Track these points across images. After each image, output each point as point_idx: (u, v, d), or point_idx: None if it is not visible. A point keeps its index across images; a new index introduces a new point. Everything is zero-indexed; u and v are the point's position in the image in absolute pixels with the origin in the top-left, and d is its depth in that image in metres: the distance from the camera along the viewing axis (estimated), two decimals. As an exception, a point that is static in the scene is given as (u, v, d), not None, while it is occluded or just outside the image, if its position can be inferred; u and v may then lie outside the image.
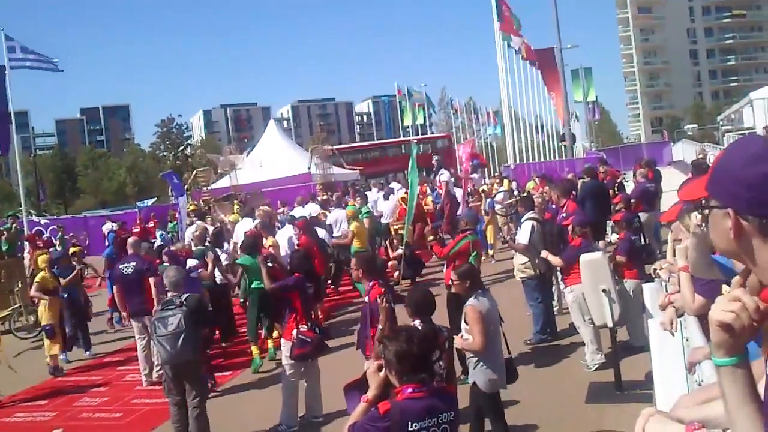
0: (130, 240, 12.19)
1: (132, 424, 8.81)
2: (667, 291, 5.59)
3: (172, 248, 13.07)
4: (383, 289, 6.70)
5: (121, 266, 11.00)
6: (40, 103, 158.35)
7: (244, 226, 15.30)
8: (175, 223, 21.51)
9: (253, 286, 10.77)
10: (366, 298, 6.86)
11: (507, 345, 6.64)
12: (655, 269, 6.51)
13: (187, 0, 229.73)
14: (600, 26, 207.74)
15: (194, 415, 7.27)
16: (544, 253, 9.39)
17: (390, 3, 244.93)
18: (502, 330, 6.48)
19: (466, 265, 6.87)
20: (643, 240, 11.20)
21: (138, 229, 25.62)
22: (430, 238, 10.87)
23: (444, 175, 20.97)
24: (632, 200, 12.61)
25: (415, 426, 3.67)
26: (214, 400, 7.55)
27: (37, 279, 11.91)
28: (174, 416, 7.41)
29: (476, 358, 6.11)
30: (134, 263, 10.70)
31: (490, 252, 17.21)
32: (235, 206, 21.29)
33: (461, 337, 6.06)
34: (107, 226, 26.05)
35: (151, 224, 24.96)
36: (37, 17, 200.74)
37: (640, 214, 12.33)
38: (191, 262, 11.44)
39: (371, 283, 6.81)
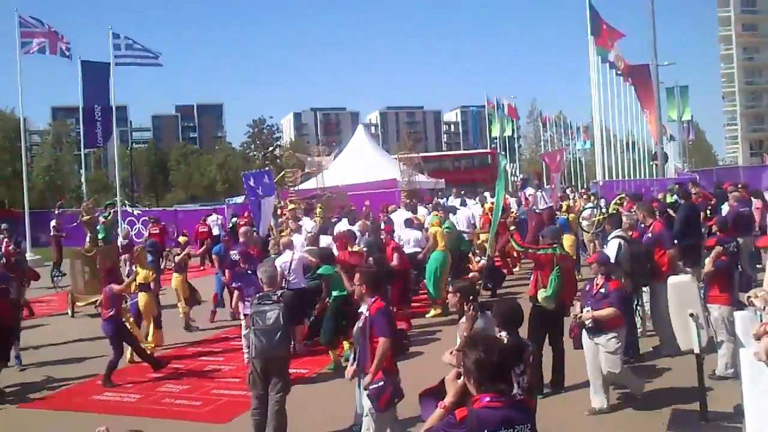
0: (243, 229, 13.69)
1: (211, 413, 9.02)
2: (762, 320, 5.37)
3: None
4: (384, 304, 6.65)
5: (231, 252, 12.37)
6: (138, 99, 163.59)
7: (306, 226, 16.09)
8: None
9: (334, 294, 10.90)
10: (366, 312, 6.57)
11: None
12: (749, 296, 6.26)
13: (282, 6, 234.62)
14: (699, 44, 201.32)
15: (275, 410, 7.33)
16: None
17: (481, 13, 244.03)
18: None
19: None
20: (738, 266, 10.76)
21: (243, 222, 26.39)
22: (512, 227, 10.84)
23: (529, 190, 20.74)
24: (728, 223, 12.09)
25: None
26: (288, 396, 7.61)
27: (140, 279, 12.18)
28: (254, 409, 7.50)
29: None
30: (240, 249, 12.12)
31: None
32: (318, 208, 21.51)
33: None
34: (213, 218, 26.71)
35: (242, 221, 25.65)
36: (139, 16, 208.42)
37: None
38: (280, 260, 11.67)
39: (373, 299, 6.57)
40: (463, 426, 3.61)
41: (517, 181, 23.63)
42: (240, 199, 28.56)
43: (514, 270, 17.94)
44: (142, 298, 12.11)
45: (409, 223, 15.58)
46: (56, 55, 27.63)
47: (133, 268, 12.70)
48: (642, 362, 9.91)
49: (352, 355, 7.00)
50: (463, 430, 3.61)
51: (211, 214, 27.60)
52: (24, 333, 12.30)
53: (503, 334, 5.87)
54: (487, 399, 3.70)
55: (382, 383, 6.19)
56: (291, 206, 21.53)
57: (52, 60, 28.89)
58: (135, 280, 12.09)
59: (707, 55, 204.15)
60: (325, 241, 13.70)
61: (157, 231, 24.25)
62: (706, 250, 10.23)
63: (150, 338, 12.24)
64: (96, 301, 15.64)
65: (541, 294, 8.73)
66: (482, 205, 20.42)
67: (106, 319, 10.82)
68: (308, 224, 16.89)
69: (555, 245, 9.41)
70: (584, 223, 18.89)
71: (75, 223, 22.27)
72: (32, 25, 27.20)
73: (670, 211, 14.59)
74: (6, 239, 16.35)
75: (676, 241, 12.19)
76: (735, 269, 9.56)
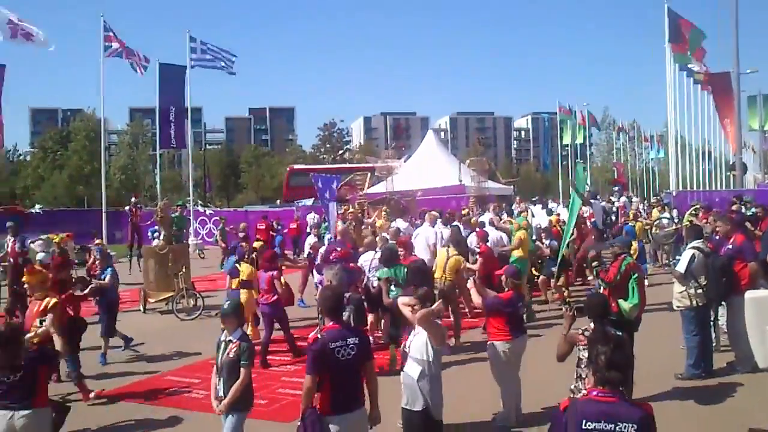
0: (340, 228, 14.43)
1: (276, 411, 9.14)
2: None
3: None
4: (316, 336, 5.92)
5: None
6: (213, 101, 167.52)
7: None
8: (326, 224, 22.12)
9: (392, 294, 10.90)
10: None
11: None
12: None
13: (356, 11, 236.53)
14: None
15: None
16: (470, 284, 8.95)
17: (552, 20, 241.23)
18: None
19: (425, 289, 6.68)
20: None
21: (294, 226, 26.71)
22: (595, 264, 10.58)
23: (595, 205, 20.44)
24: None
25: (590, 425, 3.89)
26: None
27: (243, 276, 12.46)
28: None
29: (432, 381, 6.11)
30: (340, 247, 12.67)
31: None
32: (383, 211, 21.53)
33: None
34: (311, 216, 26.75)
35: (293, 225, 26.13)
36: (214, 19, 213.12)
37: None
38: None
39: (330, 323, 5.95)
40: (563, 415, 4.02)
41: (588, 186, 23.23)
42: (309, 202, 28.90)
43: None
44: (243, 295, 12.10)
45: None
46: (129, 63, 28.41)
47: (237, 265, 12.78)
48: (713, 378, 9.66)
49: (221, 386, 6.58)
50: (563, 418, 4.01)
51: (310, 212, 27.88)
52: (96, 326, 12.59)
53: (592, 325, 6.50)
54: (595, 393, 4.02)
55: (299, 423, 5.66)
56: (351, 210, 21.71)
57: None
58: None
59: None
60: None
61: (264, 227, 24.67)
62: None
63: (250, 333, 12.43)
64: (167, 297, 16.11)
65: (625, 304, 8.56)
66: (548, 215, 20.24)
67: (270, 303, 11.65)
68: (401, 225, 17.09)
69: (626, 254, 9.28)
70: (660, 233, 18.55)
71: (150, 221, 22.97)
72: (113, 31, 28.01)
73: (748, 224, 14.17)
74: (12, 239, 16.16)
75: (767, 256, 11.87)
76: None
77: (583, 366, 6.58)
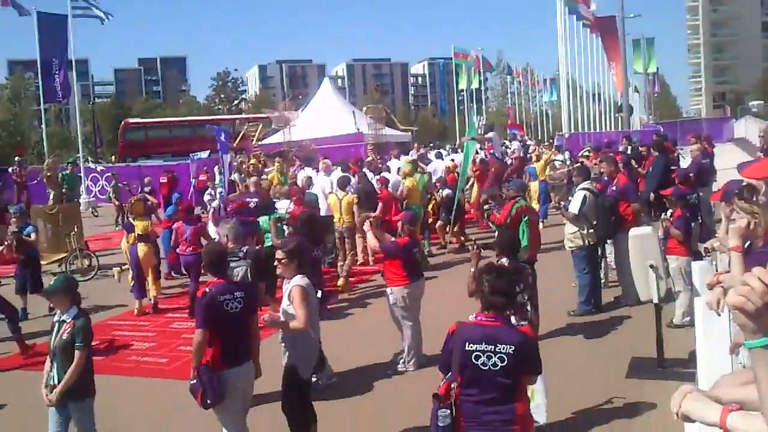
0: (252, 179, 14.53)
1: (177, 369, 9.04)
2: (717, 270, 5.51)
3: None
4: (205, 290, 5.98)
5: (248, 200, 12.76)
6: (100, 52, 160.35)
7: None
8: (221, 177, 21.69)
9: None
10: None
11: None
12: (706, 248, 6.42)
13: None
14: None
15: None
16: (366, 226, 9.03)
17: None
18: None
19: (293, 243, 6.55)
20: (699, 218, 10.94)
21: (194, 182, 26.00)
22: (486, 206, 10.86)
23: (490, 134, 20.55)
24: (690, 175, 12.24)
25: (472, 347, 4.25)
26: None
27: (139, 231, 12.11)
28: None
29: (294, 341, 6.01)
30: (257, 199, 12.61)
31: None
32: (276, 163, 21.11)
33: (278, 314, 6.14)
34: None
35: (203, 177, 25.26)
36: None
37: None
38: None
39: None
40: (451, 339, 4.40)
41: (479, 130, 23.37)
42: (204, 154, 28.20)
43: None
44: (141, 249, 11.94)
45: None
46: (9, 6, 26.80)
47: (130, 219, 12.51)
48: (602, 313, 10.13)
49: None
50: (450, 342, 4.39)
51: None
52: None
53: (504, 260, 6.79)
54: (480, 317, 4.40)
55: (194, 381, 5.57)
56: (252, 161, 21.41)
57: (7, 12, 28.09)
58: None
59: (673, 7, 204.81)
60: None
61: (165, 181, 23.87)
62: (664, 200, 10.37)
63: (151, 288, 12.23)
64: (60, 259, 15.53)
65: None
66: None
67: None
68: (310, 173, 17.16)
69: (519, 198, 9.53)
70: (554, 174, 19.04)
71: (36, 181, 21.97)
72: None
73: (634, 163, 14.77)
74: None
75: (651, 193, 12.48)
76: (695, 221, 9.74)
77: None
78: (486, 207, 10.76)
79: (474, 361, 4.22)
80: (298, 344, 6.01)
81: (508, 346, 4.20)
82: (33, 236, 12.09)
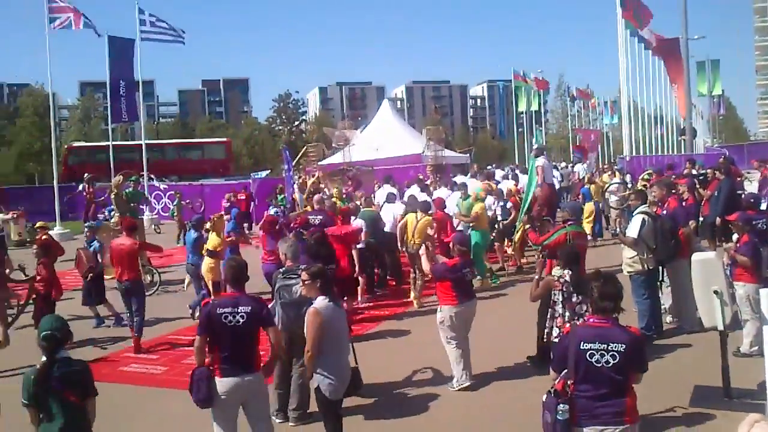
0: (316, 197, 14.68)
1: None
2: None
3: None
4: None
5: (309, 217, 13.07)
6: (165, 74, 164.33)
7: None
8: (283, 196, 21.97)
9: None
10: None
11: (354, 354, 6.99)
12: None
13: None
14: (732, 16, 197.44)
15: (298, 383, 7.45)
16: (422, 250, 9.45)
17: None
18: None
19: (316, 266, 6.51)
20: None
21: (243, 197, 26.48)
22: (527, 226, 11.04)
23: (539, 161, 20.32)
24: (759, 200, 11.84)
25: (587, 346, 4.62)
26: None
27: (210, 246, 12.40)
28: (277, 382, 7.61)
29: (318, 362, 6.06)
30: (321, 217, 12.85)
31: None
32: (335, 188, 21.13)
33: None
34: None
35: (242, 196, 25.77)
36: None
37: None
38: None
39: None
40: (566, 338, 4.87)
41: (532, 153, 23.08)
42: (264, 174, 28.63)
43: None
44: (206, 262, 12.22)
45: (391, 198, 15.90)
46: (80, 28, 27.68)
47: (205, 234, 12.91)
48: (664, 339, 9.86)
49: None
50: (565, 341, 4.84)
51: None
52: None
53: (567, 271, 7.47)
54: (592, 320, 4.85)
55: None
56: (311, 180, 21.58)
57: (80, 36, 29.11)
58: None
59: (741, 29, 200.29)
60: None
61: (244, 198, 24.70)
62: (730, 225, 10.09)
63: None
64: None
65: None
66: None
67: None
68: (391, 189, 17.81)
69: (572, 222, 9.41)
70: (612, 198, 18.76)
71: (103, 197, 22.62)
72: (59, 0, 27.32)
73: (698, 188, 14.45)
74: None
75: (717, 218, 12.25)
76: (763, 246, 9.43)
77: (557, 308, 7.57)
78: (527, 227, 11.06)
79: (588, 359, 4.60)
80: (320, 365, 6.07)
81: (620, 345, 4.57)
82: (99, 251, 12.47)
